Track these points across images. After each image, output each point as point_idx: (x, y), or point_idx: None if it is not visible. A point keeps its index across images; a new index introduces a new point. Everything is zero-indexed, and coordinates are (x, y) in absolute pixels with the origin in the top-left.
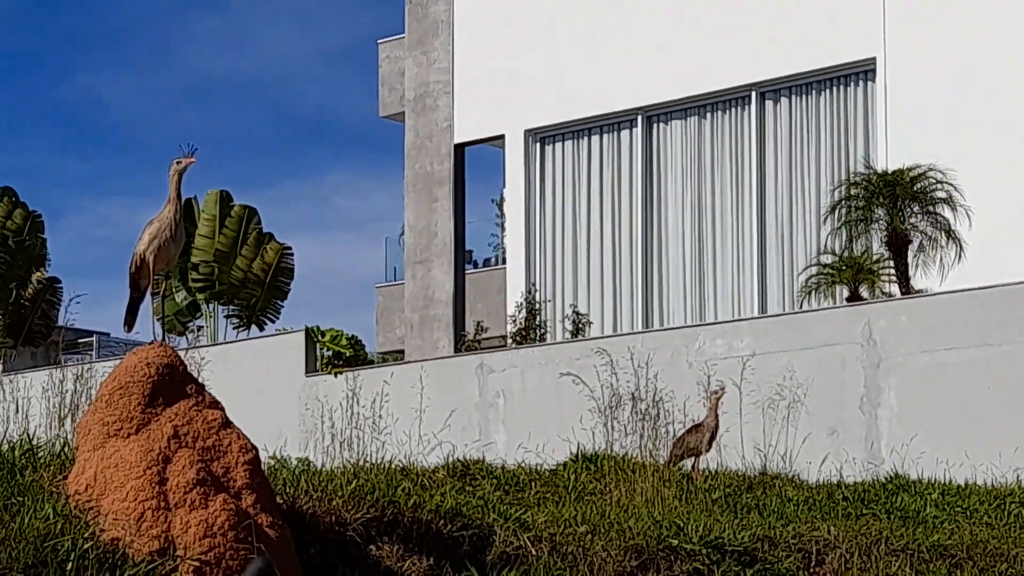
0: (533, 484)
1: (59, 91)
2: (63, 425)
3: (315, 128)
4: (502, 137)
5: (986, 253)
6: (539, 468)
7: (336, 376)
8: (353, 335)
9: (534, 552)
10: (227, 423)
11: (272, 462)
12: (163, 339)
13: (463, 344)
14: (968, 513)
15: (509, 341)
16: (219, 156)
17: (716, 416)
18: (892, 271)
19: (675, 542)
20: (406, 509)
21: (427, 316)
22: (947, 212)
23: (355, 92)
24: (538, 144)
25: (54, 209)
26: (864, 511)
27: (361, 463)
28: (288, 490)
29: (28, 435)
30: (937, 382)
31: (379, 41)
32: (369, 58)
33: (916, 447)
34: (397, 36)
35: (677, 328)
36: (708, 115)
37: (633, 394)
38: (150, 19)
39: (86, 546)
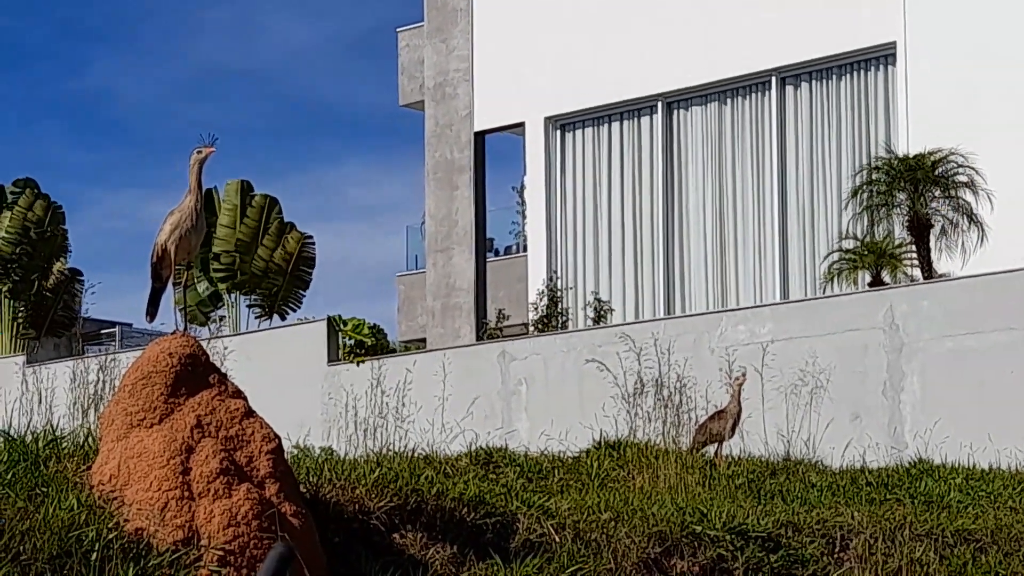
0: (556, 471)
1: (70, 83)
2: (86, 416)
3: (327, 117)
4: (522, 124)
5: (1008, 237)
6: (562, 455)
7: (359, 365)
8: (375, 324)
9: (557, 539)
10: (250, 412)
11: (295, 451)
12: (185, 329)
13: (485, 332)
14: (992, 497)
15: (531, 329)
16: (233, 146)
17: (739, 402)
18: (914, 255)
19: (698, 528)
20: (429, 497)
21: (449, 304)
22: (969, 196)
23: (367, 81)
24: (558, 131)
25: (67, 201)
26: (888, 496)
27: (384, 451)
28: (311, 479)
29: (52, 426)
30: (960, 366)
31: (398, 29)
32: (380, 47)
33: (939, 432)
34: (416, 24)
35: (699, 314)
36: (728, 101)
37: (657, 380)
38: (160, 9)
39: (110, 536)
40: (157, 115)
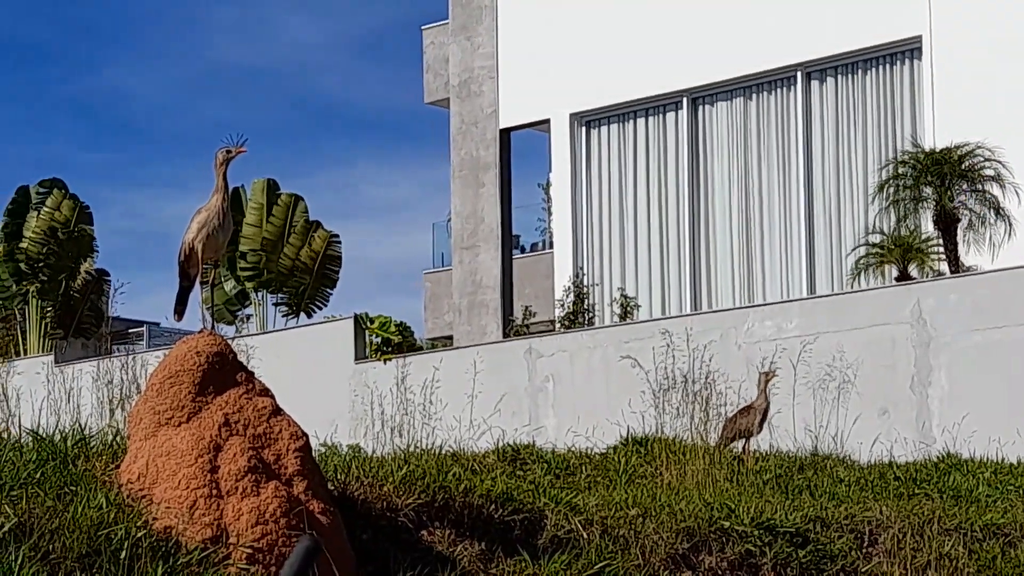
0: (584, 468)
1: (82, 83)
2: (114, 415)
3: (346, 115)
4: (548, 121)
5: None
6: (589, 452)
7: (385, 363)
8: (402, 321)
9: (585, 535)
10: (277, 410)
11: (323, 449)
12: (212, 328)
13: (511, 329)
14: (1020, 491)
15: (557, 325)
16: (251, 145)
17: (766, 397)
18: (941, 250)
19: (727, 524)
20: (457, 494)
21: (475, 301)
22: (996, 189)
23: (388, 78)
24: (584, 128)
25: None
26: (916, 491)
27: (411, 449)
28: (339, 476)
29: (80, 425)
30: (988, 360)
31: (423, 27)
32: (400, 44)
33: (967, 426)
34: (441, 22)
35: (726, 310)
36: (754, 96)
37: (687, 376)
38: (168, 9)
39: (139, 534)
40: (170, 114)
